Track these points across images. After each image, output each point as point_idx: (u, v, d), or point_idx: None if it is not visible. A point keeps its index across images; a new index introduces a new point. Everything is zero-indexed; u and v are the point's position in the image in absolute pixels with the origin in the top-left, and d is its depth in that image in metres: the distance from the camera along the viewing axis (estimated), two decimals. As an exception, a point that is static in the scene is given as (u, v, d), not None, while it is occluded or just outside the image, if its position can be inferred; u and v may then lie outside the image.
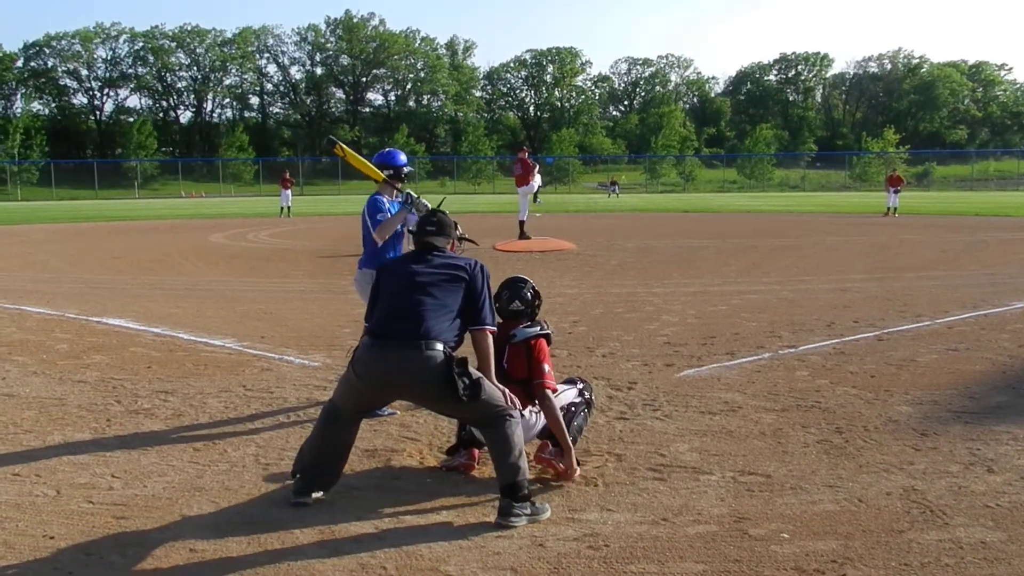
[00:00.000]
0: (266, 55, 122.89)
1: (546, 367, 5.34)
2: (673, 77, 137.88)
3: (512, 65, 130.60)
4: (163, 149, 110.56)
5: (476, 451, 5.46)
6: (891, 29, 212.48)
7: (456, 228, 5.62)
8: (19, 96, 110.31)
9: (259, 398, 7.25)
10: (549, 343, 5.55)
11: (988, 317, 10.81)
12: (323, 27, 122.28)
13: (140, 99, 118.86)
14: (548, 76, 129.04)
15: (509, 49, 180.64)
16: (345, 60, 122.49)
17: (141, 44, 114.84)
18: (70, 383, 7.79)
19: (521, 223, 22.50)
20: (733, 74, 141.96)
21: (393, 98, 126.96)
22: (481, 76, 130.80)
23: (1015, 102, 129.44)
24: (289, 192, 39.92)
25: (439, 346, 4.72)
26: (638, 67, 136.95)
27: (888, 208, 36.60)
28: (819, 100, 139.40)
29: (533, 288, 5.70)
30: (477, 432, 5.15)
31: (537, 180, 22.74)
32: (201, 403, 7.09)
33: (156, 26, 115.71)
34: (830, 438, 5.97)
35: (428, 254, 5.17)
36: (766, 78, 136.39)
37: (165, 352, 9.19)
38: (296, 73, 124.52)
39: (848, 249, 21.11)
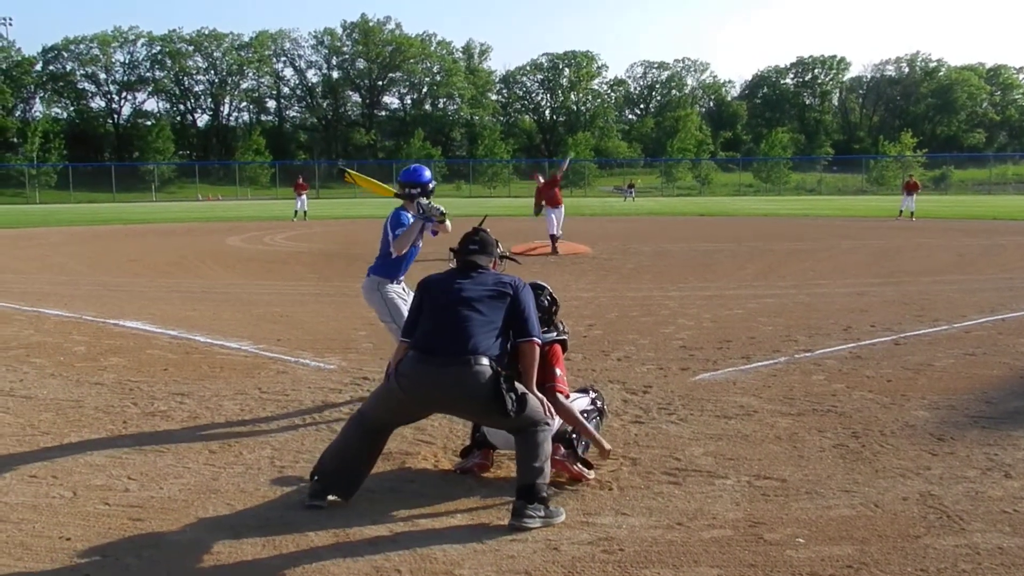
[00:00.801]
0: (283, 59, 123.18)
1: (558, 371, 5.38)
2: (689, 80, 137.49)
3: (528, 68, 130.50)
4: (180, 152, 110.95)
5: (490, 451, 5.47)
6: (908, 32, 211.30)
7: (497, 246, 5.64)
8: (38, 100, 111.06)
9: (275, 401, 7.27)
10: (565, 348, 5.59)
11: (1006, 321, 10.75)
12: (339, 31, 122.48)
13: (157, 102, 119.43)
14: (564, 80, 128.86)
15: (525, 53, 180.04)
16: (361, 64, 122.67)
17: (159, 48, 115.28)
18: (87, 385, 7.84)
19: (552, 237, 21.88)
20: (749, 77, 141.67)
21: (409, 102, 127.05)
22: (497, 80, 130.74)
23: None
24: (304, 196, 39.98)
25: (486, 361, 4.79)
26: (654, 70, 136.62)
27: (901, 211, 36.47)
28: (836, 103, 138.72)
29: (551, 295, 5.75)
30: (491, 435, 5.18)
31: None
32: (217, 405, 7.12)
33: (173, 30, 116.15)
34: (846, 442, 5.94)
35: (472, 271, 5.20)
36: (783, 81, 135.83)
37: (181, 355, 9.23)
38: (312, 77, 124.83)
39: (865, 253, 21.03)
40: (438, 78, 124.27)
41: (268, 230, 32.60)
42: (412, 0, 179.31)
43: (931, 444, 5.88)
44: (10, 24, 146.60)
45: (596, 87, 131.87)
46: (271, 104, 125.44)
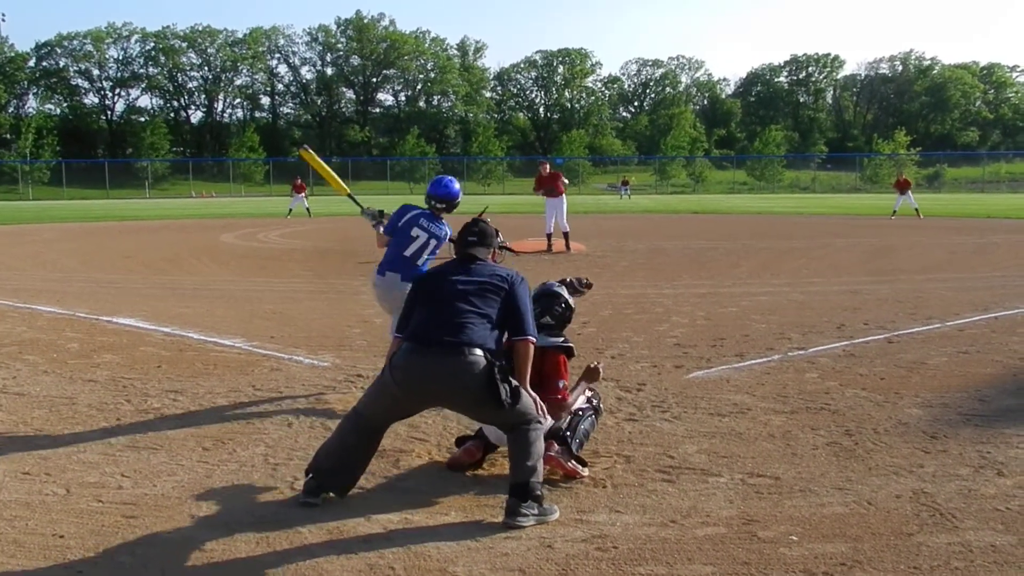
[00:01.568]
0: (277, 55, 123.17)
1: (561, 383, 5.45)
2: (683, 78, 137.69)
3: (522, 66, 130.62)
4: (174, 149, 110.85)
5: (480, 447, 5.48)
6: (902, 30, 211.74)
7: (497, 235, 5.63)
8: (31, 96, 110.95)
9: (268, 398, 7.26)
10: (571, 356, 5.64)
11: (999, 320, 10.77)
12: (334, 27, 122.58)
13: (151, 99, 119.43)
14: (558, 77, 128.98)
15: (519, 50, 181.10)
16: (356, 60, 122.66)
17: (152, 44, 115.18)
18: (80, 382, 7.82)
19: (549, 235, 21.75)
20: (743, 75, 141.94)
21: (403, 99, 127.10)
22: (491, 77, 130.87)
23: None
24: (303, 196, 39.98)
25: (480, 352, 4.76)
26: (648, 68, 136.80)
27: (895, 211, 36.56)
28: (830, 102, 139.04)
29: (565, 302, 5.78)
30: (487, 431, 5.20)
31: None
32: (211, 403, 7.11)
33: (167, 26, 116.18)
34: (839, 440, 5.95)
35: (470, 264, 5.19)
36: (777, 79, 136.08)
37: (175, 352, 9.22)
38: (307, 73, 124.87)
39: (858, 251, 21.06)
40: (432, 75, 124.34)
41: (262, 227, 32.57)
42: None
43: (924, 442, 5.89)
44: (3, 20, 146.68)
45: (590, 84, 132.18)
46: (265, 101, 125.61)
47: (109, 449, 5.87)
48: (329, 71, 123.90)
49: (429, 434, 6.19)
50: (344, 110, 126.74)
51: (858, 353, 8.86)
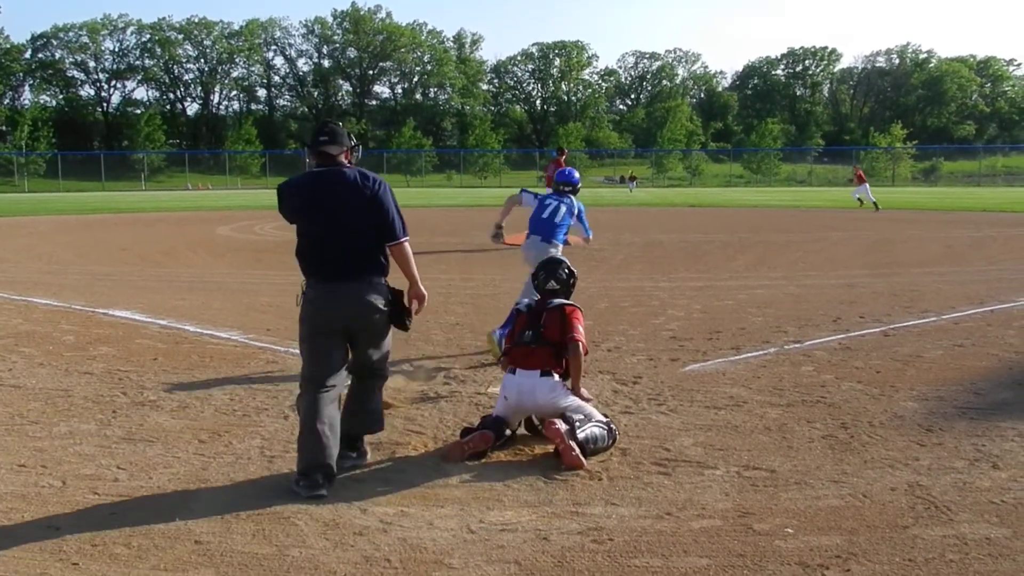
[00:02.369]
0: (273, 47, 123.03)
1: (579, 327, 5.80)
2: (680, 71, 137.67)
3: (519, 58, 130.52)
4: (170, 141, 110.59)
5: (490, 435, 5.48)
6: (899, 23, 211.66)
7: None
8: (27, 88, 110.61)
9: (264, 390, 7.26)
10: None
11: (995, 313, 10.79)
12: (330, 19, 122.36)
13: (147, 91, 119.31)
14: (555, 70, 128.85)
15: (516, 42, 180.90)
16: (352, 53, 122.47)
17: (148, 36, 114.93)
18: (76, 374, 7.81)
19: None
20: (740, 68, 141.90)
21: (400, 91, 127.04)
22: (488, 69, 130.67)
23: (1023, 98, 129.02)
24: None
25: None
26: (645, 61, 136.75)
27: (861, 200, 37.40)
28: (826, 95, 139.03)
29: (568, 268, 6.19)
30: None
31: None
32: (206, 395, 7.11)
33: (163, 18, 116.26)
34: (835, 433, 5.96)
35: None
36: (773, 73, 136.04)
37: (171, 344, 9.21)
38: (303, 66, 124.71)
39: (854, 244, 21.08)
40: (429, 68, 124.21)
41: (258, 219, 32.49)
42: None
43: (919, 435, 5.90)
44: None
45: (587, 77, 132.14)
46: (261, 93, 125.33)
47: (105, 441, 5.87)
48: (325, 63, 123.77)
49: (425, 427, 6.19)
50: (341, 102, 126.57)
51: (854, 346, 8.87)
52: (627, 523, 4.49)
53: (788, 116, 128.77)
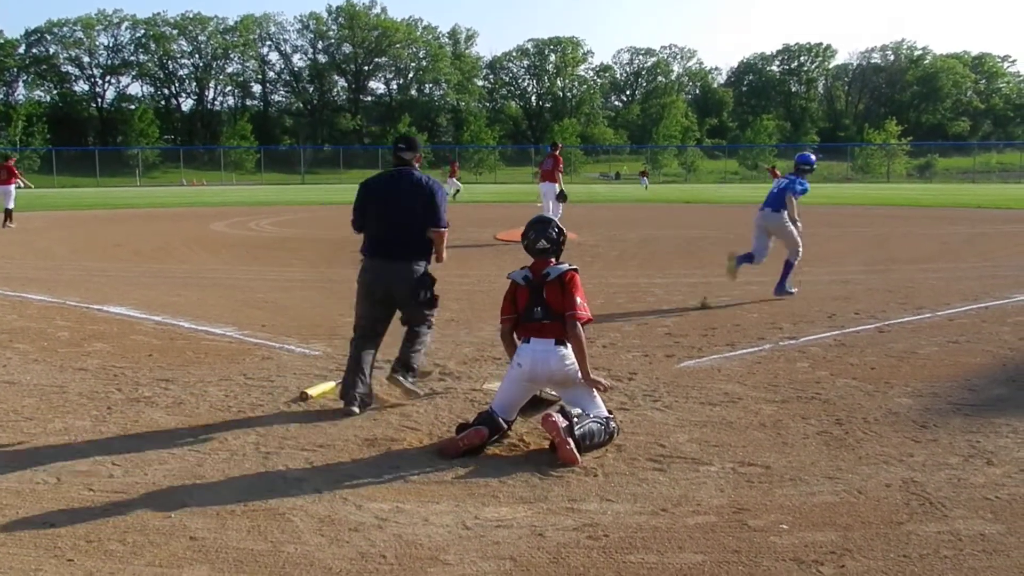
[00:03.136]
0: (268, 43, 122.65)
1: (578, 299, 5.75)
2: (675, 67, 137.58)
3: (514, 54, 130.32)
4: (165, 137, 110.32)
5: (485, 431, 5.48)
6: (894, 19, 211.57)
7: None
8: (21, 83, 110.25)
9: (259, 387, 7.25)
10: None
11: (989, 309, 10.81)
12: (325, 15, 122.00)
13: (142, 86, 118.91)
14: (550, 65, 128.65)
15: (511, 38, 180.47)
16: (347, 48, 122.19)
17: (143, 31, 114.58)
18: (71, 371, 7.80)
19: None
20: (735, 64, 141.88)
21: (395, 87, 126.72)
22: (483, 65, 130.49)
23: (1018, 94, 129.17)
24: None
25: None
26: (640, 57, 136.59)
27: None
28: (821, 91, 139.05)
29: (557, 227, 6.08)
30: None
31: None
32: (201, 391, 7.10)
33: (158, 13, 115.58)
34: (830, 429, 5.97)
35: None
36: (768, 69, 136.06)
37: (166, 340, 9.20)
38: (298, 61, 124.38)
39: (849, 241, 21.10)
40: (424, 63, 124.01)
41: (253, 215, 32.50)
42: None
43: (914, 431, 5.91)
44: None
45: (582, 73, 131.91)
46: (256, 89, 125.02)
47: (100, 437, 5.87)
48: (321, 59, 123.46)
49: (420, 423, 6.19)
50: (336, 98, 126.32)
51: (849, 343, 8.88)
52: (622, 519, 4.50)
53: (783, 112, 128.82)
